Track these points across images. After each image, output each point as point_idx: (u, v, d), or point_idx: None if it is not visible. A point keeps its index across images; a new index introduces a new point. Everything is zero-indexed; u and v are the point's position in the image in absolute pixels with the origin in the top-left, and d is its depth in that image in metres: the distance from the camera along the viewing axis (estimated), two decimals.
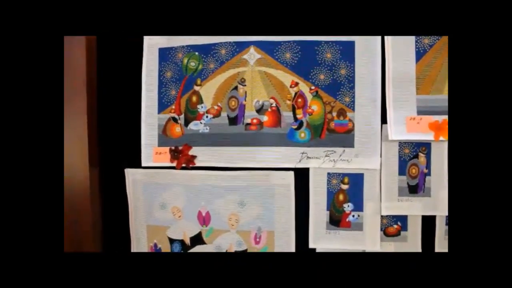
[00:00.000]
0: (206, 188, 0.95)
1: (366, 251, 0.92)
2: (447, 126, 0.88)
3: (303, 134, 0.92)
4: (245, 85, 0.93)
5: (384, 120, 0.89)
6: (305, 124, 0.91)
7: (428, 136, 0.89)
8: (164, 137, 0.96)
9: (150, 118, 0.97)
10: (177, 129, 0.96)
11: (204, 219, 0.97)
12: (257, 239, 0.95)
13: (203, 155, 0.94)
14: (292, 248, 0.93)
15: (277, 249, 0.94)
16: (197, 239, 0.98)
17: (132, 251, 1.01)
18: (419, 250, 0.92)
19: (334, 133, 0.91)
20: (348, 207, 0.92)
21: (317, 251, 0.93)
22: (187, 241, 0.98)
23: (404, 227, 0.92)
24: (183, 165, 0.95)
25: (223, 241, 0.96)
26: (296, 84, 0.91)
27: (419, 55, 0.90)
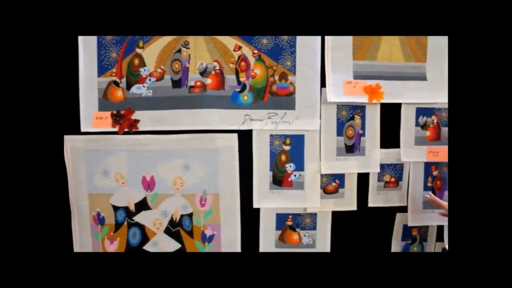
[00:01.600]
0: (150, 153, 0.94)
1: (307, 208, 0.98)
2: (379, 90, 0.95)
3: (246, 97, 0.93)
4: (188, 48, 0.92)
5: (323, 83, 0.94)
6: (248, 87, 0.93)
7: (363, 99, 0.95)
8: (104, 101, 0.93)
9: (89, 81, 0.93)
10: (118, 93, 0.93)
11: (148, 184, 0.96)
12: (203, 202, 0.96)
13: (146, 119, 0.93)
14: (237, 209, 0.96)
15: (222, 210, 0.96)
16: (142, 205, 0.97)
17: (72, 221, 0.98)
18: (355, 205, 0.99)
19: (276, 96, 0.94)
20: (290, 167, 0.96)
21: (261, 210, 0.97)
22: (132, 208, 0.97)
23: (341, 184, 0.98)
24: (126, 130, 0.93)
25: (168, 206, 0.96)
26: (240, 47, 0.93)
27: None
